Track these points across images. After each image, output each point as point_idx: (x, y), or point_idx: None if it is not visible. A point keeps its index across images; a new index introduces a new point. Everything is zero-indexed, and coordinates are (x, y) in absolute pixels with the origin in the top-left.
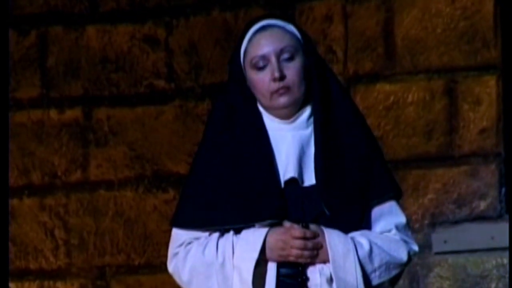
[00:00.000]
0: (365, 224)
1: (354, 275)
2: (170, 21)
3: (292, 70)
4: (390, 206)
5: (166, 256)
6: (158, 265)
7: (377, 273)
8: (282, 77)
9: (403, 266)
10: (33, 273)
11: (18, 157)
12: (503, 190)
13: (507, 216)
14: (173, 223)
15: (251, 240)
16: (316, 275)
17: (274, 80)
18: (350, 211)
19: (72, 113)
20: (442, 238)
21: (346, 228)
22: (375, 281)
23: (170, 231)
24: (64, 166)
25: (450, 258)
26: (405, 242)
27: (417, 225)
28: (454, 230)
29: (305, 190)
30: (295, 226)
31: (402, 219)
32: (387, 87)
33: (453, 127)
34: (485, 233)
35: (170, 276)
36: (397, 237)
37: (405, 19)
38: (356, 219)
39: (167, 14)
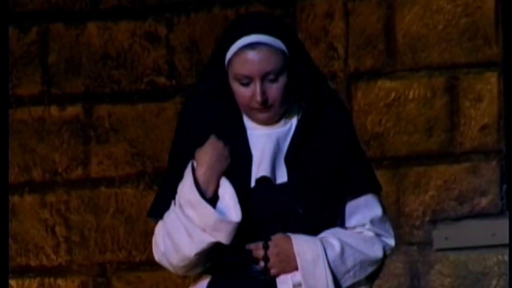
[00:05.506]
0: (340, 220)
1: (324, 282)
2: (171, 18)
3: (275, 90)
4: (366, 199)
5: None
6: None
7: (351, 273)
8: (264, 101)
9: (379, 262)
10: (34, 270)
11: (19, 154)
12: (504, 187)
13: (508, 213)
14: (148, 213)
15: (188, 175)
16: (287, 280)
17: (256, 101)
18: (324, 208)
19: (73, 110)
20: (443, 235)
21: (319, 225)
22: (349, 281)
23: None
24: (65, 163)
25: (451, 255)
26: (380, 236)
27: (418, 222)
28: (455, 227)
29: (277, 188)
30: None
31: (377, 212)
32: (388, 84)
33: (454, 124)
34: (486, 230)
35: (170, 273)
36: (371, 233)
37: (406, 16)
38: (330, 216)
39: (168, 10)
